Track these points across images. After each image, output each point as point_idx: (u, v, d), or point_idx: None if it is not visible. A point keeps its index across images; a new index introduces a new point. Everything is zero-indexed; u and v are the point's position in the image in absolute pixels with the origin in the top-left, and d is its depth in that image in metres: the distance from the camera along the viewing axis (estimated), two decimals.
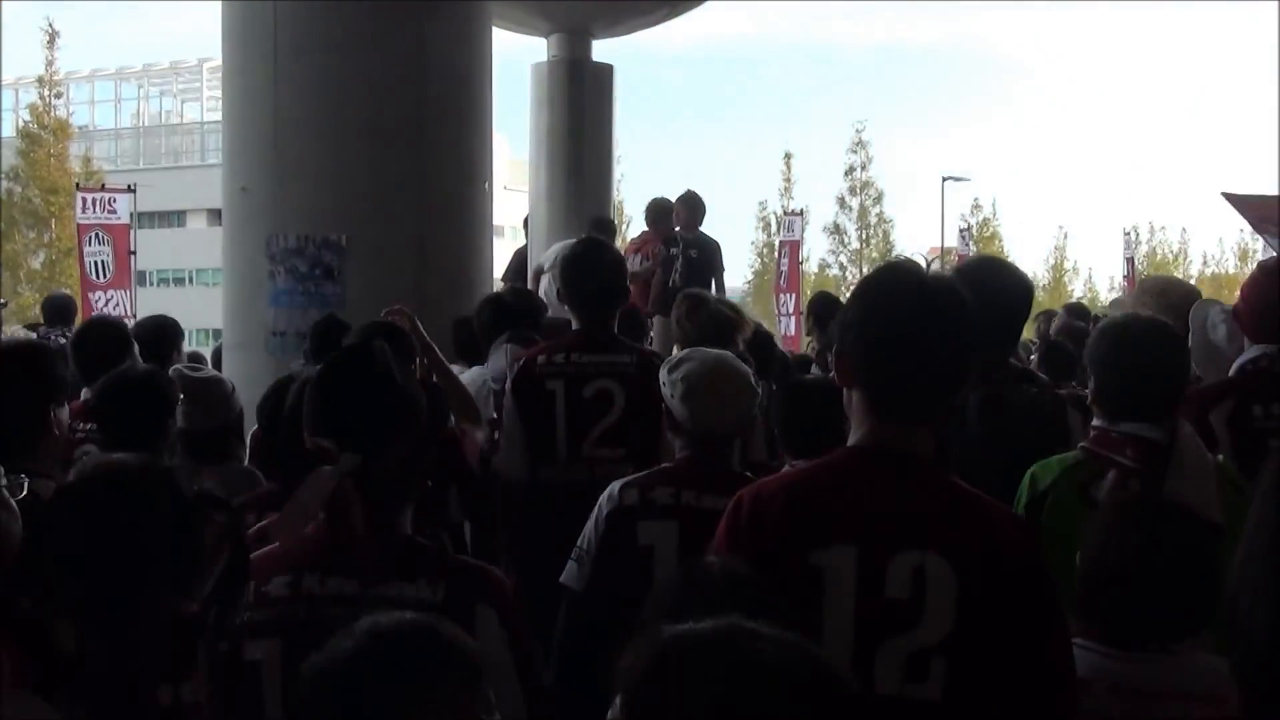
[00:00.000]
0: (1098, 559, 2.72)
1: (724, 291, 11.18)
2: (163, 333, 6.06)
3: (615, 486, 3.50)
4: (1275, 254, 10.12)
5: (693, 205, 11.38)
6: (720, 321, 5.58)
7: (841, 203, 46.46)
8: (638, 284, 11.60)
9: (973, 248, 35.12)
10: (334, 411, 2.42)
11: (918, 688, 2.31)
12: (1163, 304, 4.96)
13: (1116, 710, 2.56)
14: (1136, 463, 3.20)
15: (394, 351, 2.52)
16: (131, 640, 2.22)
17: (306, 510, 2.36)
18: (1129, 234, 21.57)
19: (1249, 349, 4.37)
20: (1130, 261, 20.39)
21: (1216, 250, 54.72)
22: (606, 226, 10.96)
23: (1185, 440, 3.26)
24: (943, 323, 2.42)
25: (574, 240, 5.73)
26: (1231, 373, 4.35)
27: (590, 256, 4.78)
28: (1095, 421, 3.38)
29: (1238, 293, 4.63)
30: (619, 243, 12.30)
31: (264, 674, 2.34)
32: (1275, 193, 10.75)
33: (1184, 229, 57.67)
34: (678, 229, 11.25)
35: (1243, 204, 10.25)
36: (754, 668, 1.45)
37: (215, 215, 25.21)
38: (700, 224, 11.28)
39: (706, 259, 11.23)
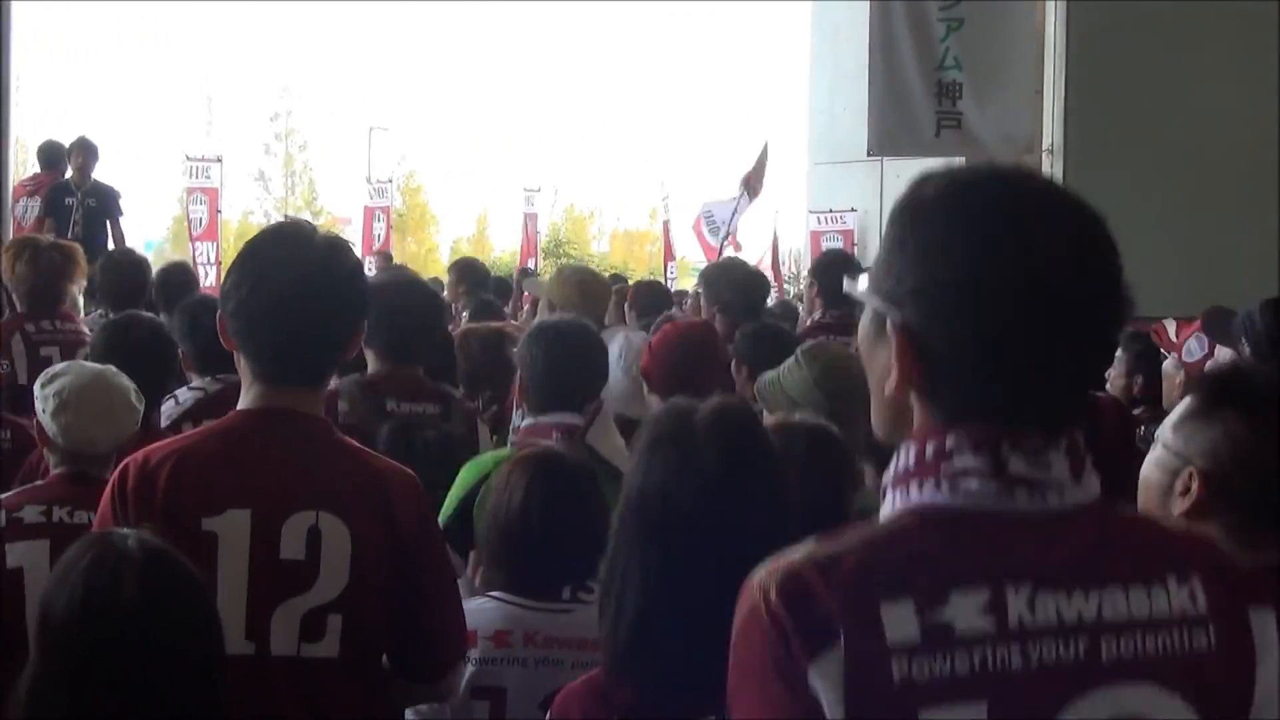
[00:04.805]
0: (496, 512, 2.86)
1: (123, 238, 11.02)
2: None
3: None
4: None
5: (89, 151, 11.05)
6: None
7: (266, 149, 45.62)
8: (31, 227, 11.16)
9: (398, 199, 35.63)
10: None
11: (314, 646, 2.36)
12: (581, 294, 5.38)
13: (532, 657, 2.69)
14: (562, 445, 3.37)
15: None
16: None
17: None
18: (532, 191, 22.58)
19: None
20: (530, 219, 21.36)
21: (628, 208, 58.54)
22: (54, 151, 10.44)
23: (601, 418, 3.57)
24: (318, 287, 2.43)
25: None
26: None
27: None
28: (525, 421, 3.57)
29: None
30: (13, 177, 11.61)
31: None
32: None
33: (598, 185, 61.05)
34: (71, 176, 10.96)
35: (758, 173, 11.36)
36: None
37: None
38: (93, 170, 11.01)
39: (105, 205, 10.99)
